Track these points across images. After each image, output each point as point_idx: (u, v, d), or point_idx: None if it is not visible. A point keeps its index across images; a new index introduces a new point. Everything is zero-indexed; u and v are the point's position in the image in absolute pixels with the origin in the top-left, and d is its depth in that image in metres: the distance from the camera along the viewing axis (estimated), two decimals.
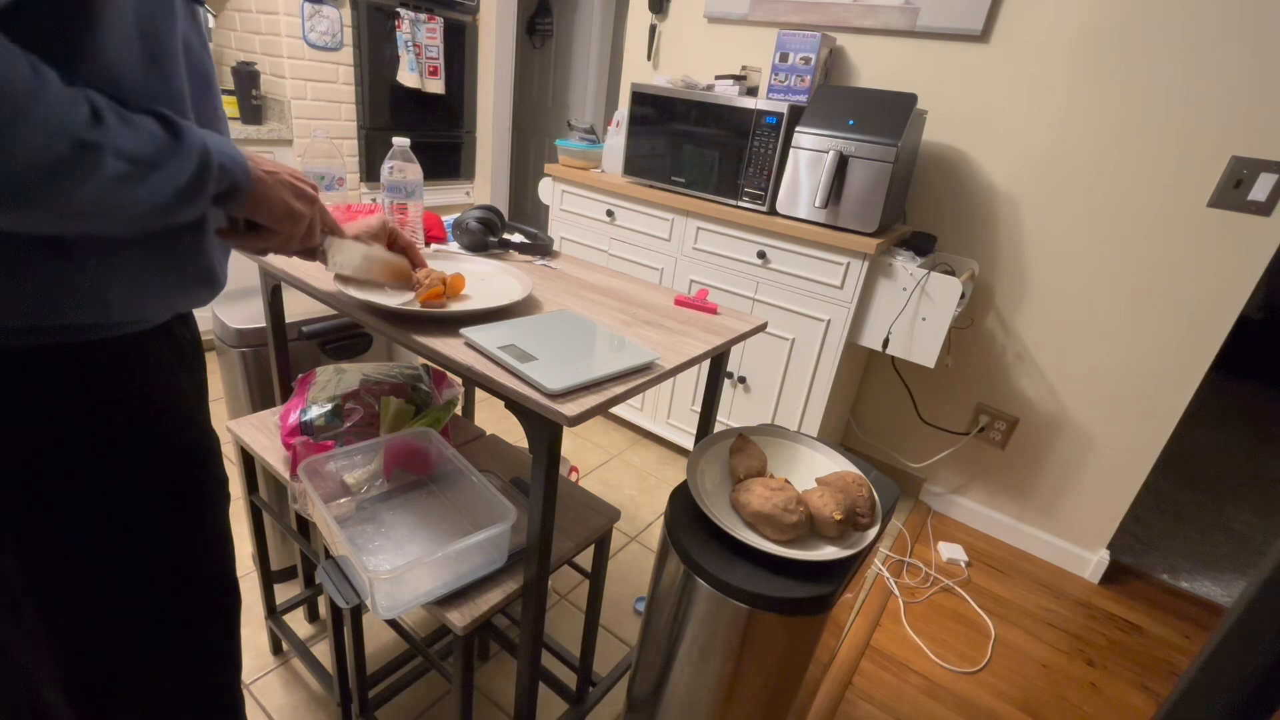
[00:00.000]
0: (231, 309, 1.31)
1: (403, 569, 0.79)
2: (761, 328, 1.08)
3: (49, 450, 0.52)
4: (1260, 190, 1.50)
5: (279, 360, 1.21)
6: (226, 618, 0.71)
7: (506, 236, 1.26)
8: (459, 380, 1.27)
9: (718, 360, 1.09)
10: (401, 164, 1.07)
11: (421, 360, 1.36)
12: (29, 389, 0.50)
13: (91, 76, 0.46)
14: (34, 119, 0.39)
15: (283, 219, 0.65)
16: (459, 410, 1.32)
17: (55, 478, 0.52)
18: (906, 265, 1.69)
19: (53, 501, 0.53)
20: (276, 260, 0.98)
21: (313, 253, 0.75)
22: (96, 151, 0.43)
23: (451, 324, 0.85)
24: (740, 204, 1.86)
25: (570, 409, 0.70)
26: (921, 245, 1.79)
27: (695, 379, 2.14)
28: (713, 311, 1.09)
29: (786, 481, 0.88)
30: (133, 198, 0.46)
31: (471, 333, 0.81)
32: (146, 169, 0.46)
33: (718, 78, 1.96)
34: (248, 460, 1.18)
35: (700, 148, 1.90)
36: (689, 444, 2.18)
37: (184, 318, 0.63)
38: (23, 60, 0.39)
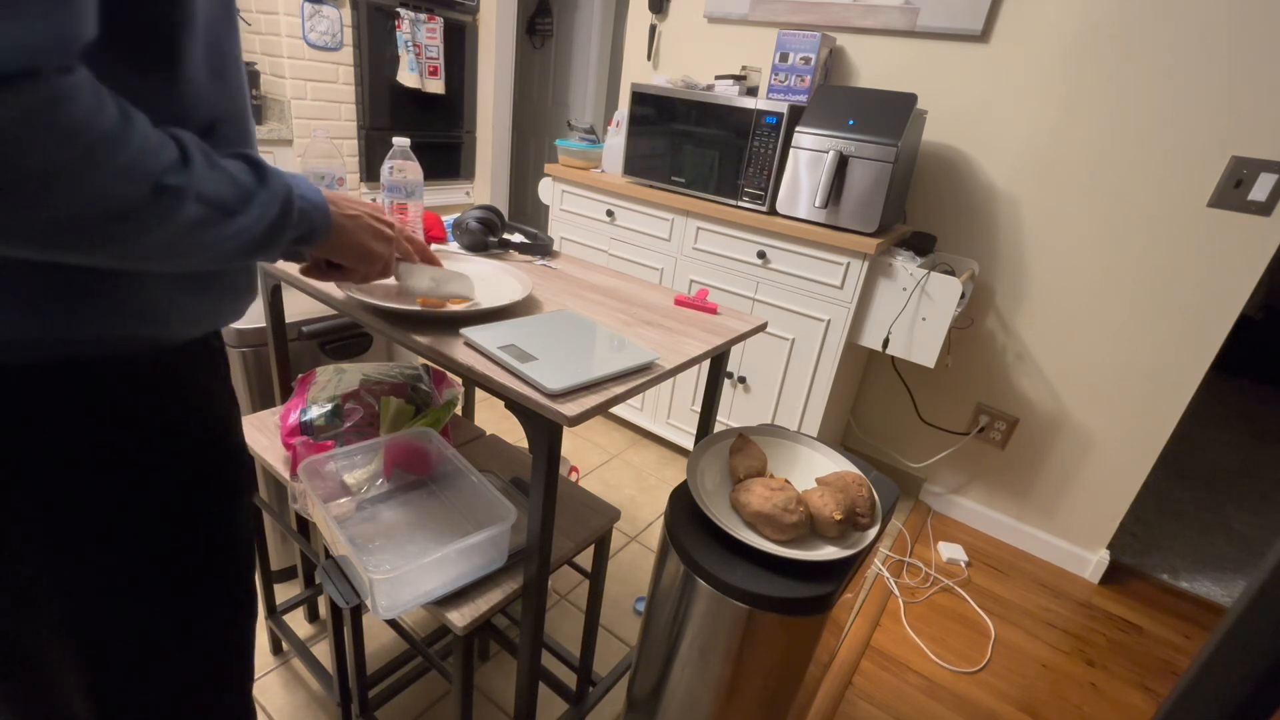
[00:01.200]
0: None
1: (403, 569, 0.79)
2: (761, 328, 1.08)
3: (103, 459, 0.52)
4: (1260, 190, 1.50)
5: (279, 360, 1.21)
6: (247, 623, 0.72)
7: (506, 236, 1.26)
8: (459, 380, 1.27)
9: (718, 360, 1.09)
10: (401, 164, 1.07)
11: (421, 360, 1.36)
12: (85, 400, 0.50)
13: (175, 103, 0.47)
14: (113, 163, 0.40)
15: (360, 260, 0.69)
16: (459, 410, 1.32)
17: (105, 486, 0.52)
18: (906, 265, 1.69)
19: (98, 510, 0.53)
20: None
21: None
22: (176, 196, 0.43)
23: (451, 324, 0.85)
24: (740, 204, 1.86)
25: (570, 409, 0.70)
26: (921, 245, 1.79)
27: (695, 379, 2.14)
28: (713, 311, 1.09)
29: (786, 481, 0.88)
30: (207, 240, 0.47)
31: (471, 333, 0.81)
32: (225, 214, 0.47)
33: (718, 78, 1.96)
34: None
35: (700, 148, 1.90)
36: (689, 444, 2.18)
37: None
38: (110, 102, 0.39)
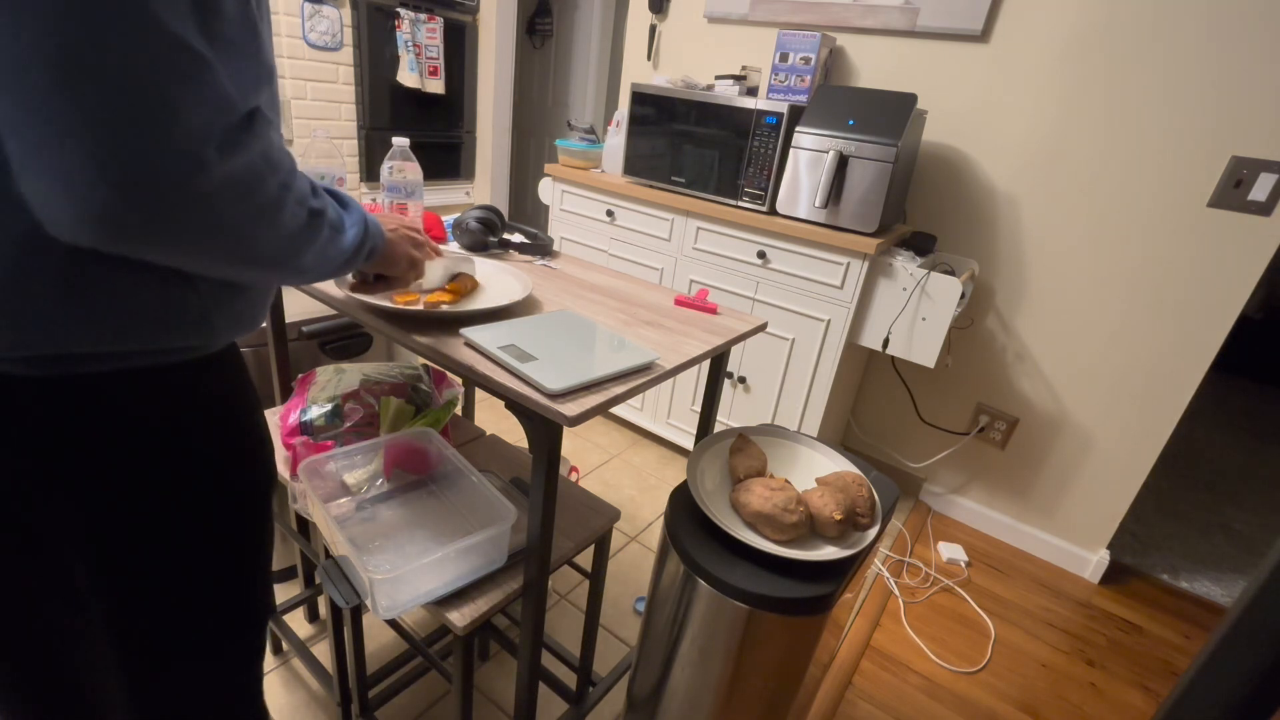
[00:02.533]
0: None
1: (403, 569, 0.79)
2: (761, 328, 1.08)
3: (151, 461, 0.53)
4: (1260, 190, 1.50)
5: (279, 360, 1.21)
6: (265, 618, 0.72)
7: (506, 236, 1.26)
8: (459, 380, 1.27)
9: (718, 360, 1.09)
10: (401, 164, 1.07)
11: (421, 360, 1.36)
12: (137, 405, 0.51)
13: (271, 112, 0.52)
14: (297, 192, 0.47)
15: (406, 269, 0.78)
16: (459, 410, 1.32)
17: (151, 487, 0.54)
18: (906, 265, 1.69)
19: (144, 511, 0.54)
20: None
21: None
22: (319, 218, 0.51)
23: (451, 324, 0.85)
24: (740, 204, 1.86)
25: (570, 409, 0.70)
26: (921, 245, 1.79)
27: (695, 379, 2.14)
28: (713, 311, 1.09)
29: (786, 481, 0.88)
30: (331, 256, 0.55)
31: (471, 333, 0.81)
32: (338, 232, 0.55)
33: (718, 78, 1.96)
34: None
35: (700, 148, 1.90)
36: (689, 444, 2.18)
37: None
38: (280, 138, 0.44)
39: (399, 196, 1.09)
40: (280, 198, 0.45)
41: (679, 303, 1.11)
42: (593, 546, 1.08)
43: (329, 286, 0.90)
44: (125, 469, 0.52)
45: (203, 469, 0.57)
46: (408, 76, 2.77)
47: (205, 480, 0.57)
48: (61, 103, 0.35)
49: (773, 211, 1.83)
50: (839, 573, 0.82)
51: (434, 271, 0.88)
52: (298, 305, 1.29)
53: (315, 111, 2.60)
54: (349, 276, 0.84)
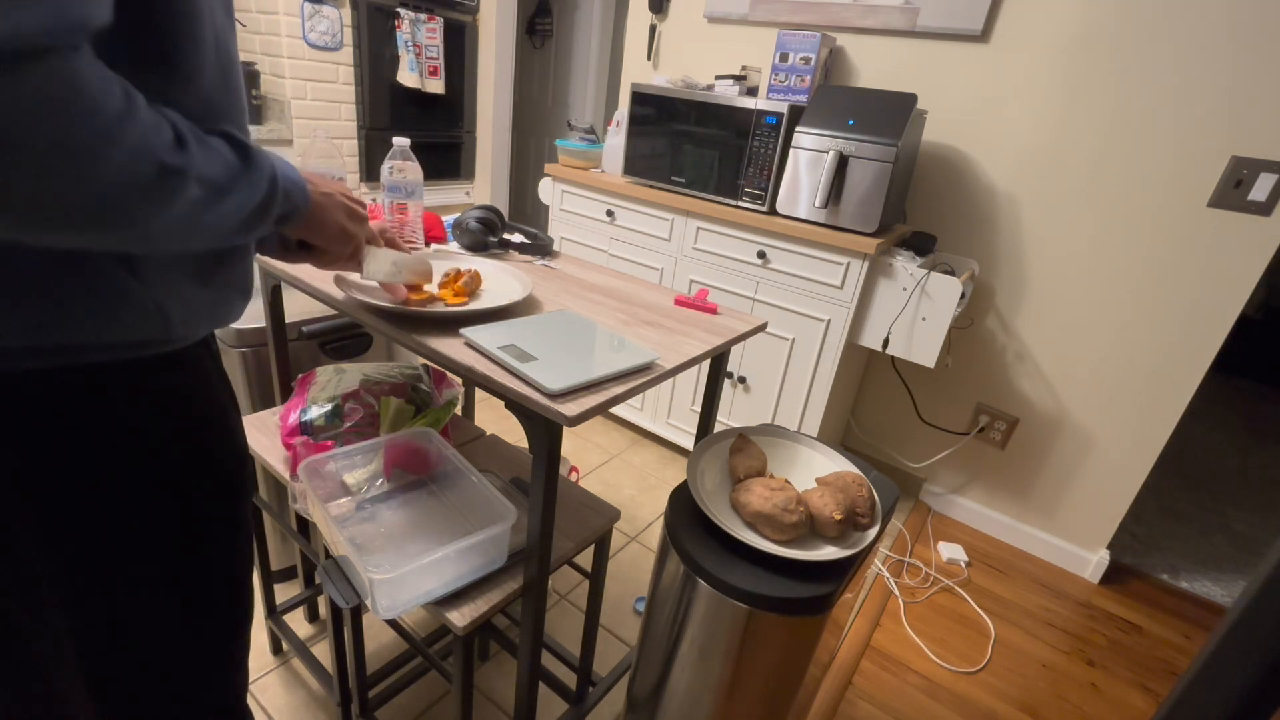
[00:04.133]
0: None
1: (403, 569, 0.79)
2: (761, 328, 1.08)
3: (109, 460, 0.52)
4: (1260, 190, 1.50)
5: (279, 360, 1.21)
6: (245, 619, 0.72)
7: (506, 236, 1.26)
8: (459, 380, 1.27)
9: (718, 360, 1.09)
10: (401, 164, 1.07)
11: (421, 360, 1.36)
12: (88, 404, 0.50)
13: (190, 98, 0.48)
14: (124, 143, 0.39)
15: (335, 240, 0.68)
16: (459, 410, 1.32)
17: (110, 486, 0.53)
18: (906, 265, 1.69)
19: (102, 509, 0.53)
20: (276, 261, 0.98)
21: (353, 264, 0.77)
22: (179, 176, 0.43)
23: (451, 324, 0.85)
24: (740, 204, 1.86)
25: (570, 409, 0.70)
26: (921, 245, 1.79)
27: (695, 379, 2.14)
28: (713, 311, 1.09)
29: (786, 481, 0.88)
30: (206, 221, 0.47)
31: (471, 333, 0.81)
32: (220, 193, 0.47)
33: (718, 78, 1.96)
34: None
35: (700, 148, 1.90)
36: (689, 444, 2.18)
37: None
38: (116, 83, 0.39)
39: (399, 196, 1.09)
40: (92, 143, 0.38)
41: (679, 303, 1.11)
42: (593, 546, 1.08)
43: (329, 286, 0.90)
44: (73, 470, 0.50)
45: (158, 473, 0.55)
46: (408, 76, 2.77)
47: (161, 485, 0.56)
48: None
49: (773, 211, 1.83)
50: (839, 573, 0.82)
51: (380, 262, 0.78)
52: (298, 305, 1.29)
53: (315, 111, 2.60)
54: (268, 241, 0.71)
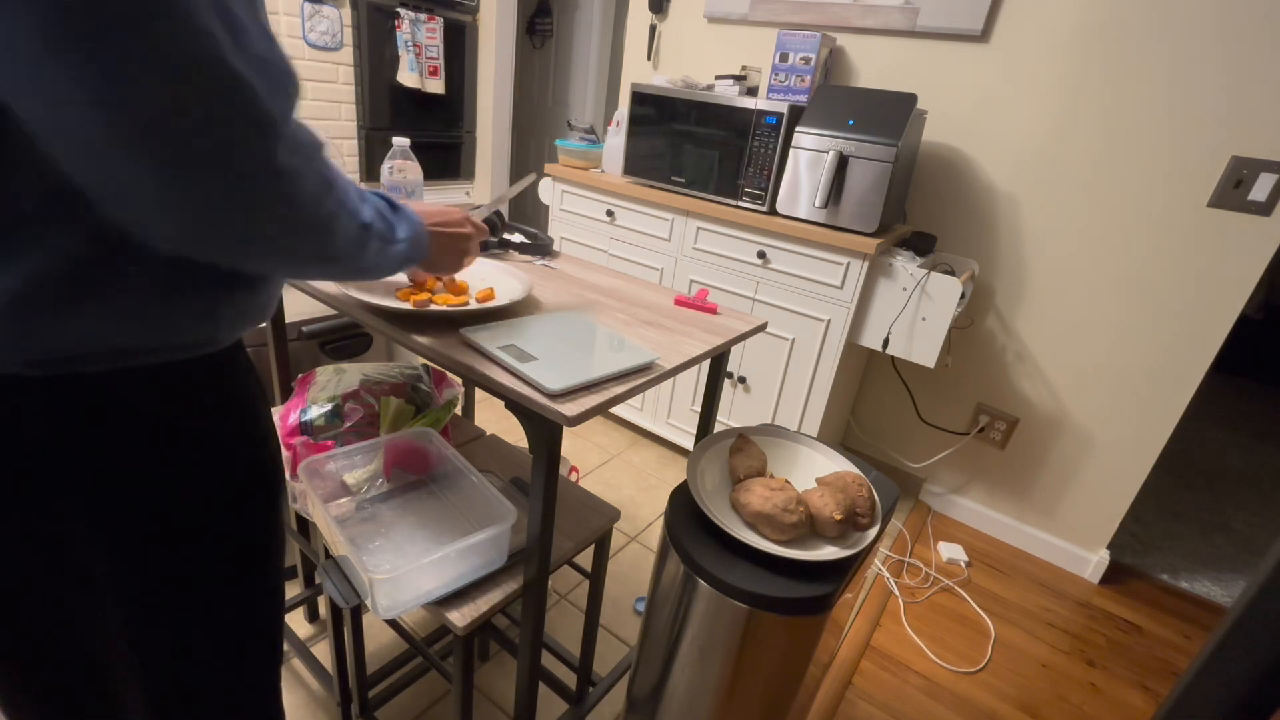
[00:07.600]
0: None
1: (403, 569, 0.79)
2: (761, 328, 1.08)
3: (161, 463, 0.53)
4: (1260, 190, 1.50)
5: (279, 360, 1.21)
6: (279, 625, 0.72)
7: (506, 236, 1.26)
8: (459, 380, 1.27)
9: (718, 360, 1.09)
10: (401, 163, 1.07)
11: (421, 360, 1.36)
12: (144, 404, 0.51)
13: None
14: (348, 211, 0.51)
15: (446, 270, 0.83)
16: (459, 410, 1.32)
17: (161, 489, 0.53)
18: (906, 265, 1.69)
19: (156, 513, 0.54)
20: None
21: None
22: (368, 231, 0.56)
23: (451, 324, 0.85)
24: (740, 204, 1.86)
25: (570, 409, 0.70)
26: (921, 245, 1.79)
27: (695, 379, 2.14)
28: (713, 311, 1.09)
29: (786, 481, 0.88)
30: (379, 264, 0.61)
31: (471, 333, 0.81)
32: (388, 244, 0.60)
33: (718, 78, 1.96)
34: None
35: (700, 148, 1.90)
36: (689, 444, 2.18)
37: None
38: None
39: (399, 196, 1.09)
40: (336, 212, 0.50)
41: (679, 303, 1.11)
42: (593, 546, 1.08)
43: (329, 286, 0.90)
44: (134, 471, 0.51)
45: (213, 470, 0.56)
46: (408, 76, 2.77)
47: (216, 482, 0.57)
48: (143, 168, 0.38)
49: (773, 211, 1.83)
50: (839, 573, 0.82)
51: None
52: (298, 305, 1.29)
53: (315, 111, 2.60)
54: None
